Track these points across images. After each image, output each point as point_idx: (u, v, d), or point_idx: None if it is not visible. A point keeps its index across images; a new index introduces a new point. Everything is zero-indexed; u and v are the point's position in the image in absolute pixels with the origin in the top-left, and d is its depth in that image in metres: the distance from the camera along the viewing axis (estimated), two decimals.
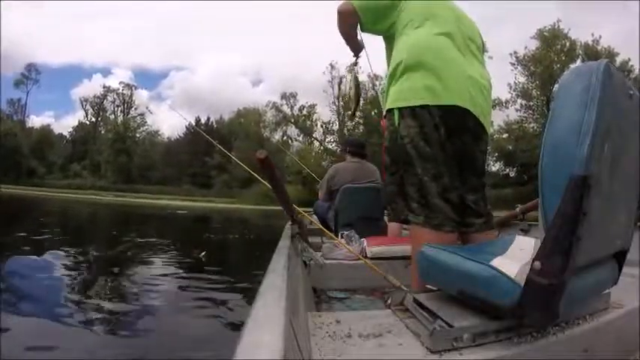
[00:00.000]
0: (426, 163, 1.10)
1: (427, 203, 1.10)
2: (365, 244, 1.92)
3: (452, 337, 0.71)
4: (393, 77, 1.19)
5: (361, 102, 1.72)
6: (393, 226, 2.48)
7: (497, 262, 0.74)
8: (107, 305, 2.59)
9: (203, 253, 4.06)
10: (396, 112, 1.15)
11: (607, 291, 0.91)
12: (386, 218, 2.65)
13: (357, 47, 1.51)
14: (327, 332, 0.80)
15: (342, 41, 1.47)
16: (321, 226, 2.05)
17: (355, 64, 1.53)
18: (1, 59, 30.95)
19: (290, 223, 1.66)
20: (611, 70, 0.67)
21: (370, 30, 1.32)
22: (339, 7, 1.30)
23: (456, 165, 1.14)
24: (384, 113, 1.23)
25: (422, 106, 1.10)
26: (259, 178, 1.78)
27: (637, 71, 21.00)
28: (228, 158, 30.22)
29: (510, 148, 26.06)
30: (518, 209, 1.94)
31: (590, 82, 0.66)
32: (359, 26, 1.33)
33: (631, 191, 0.83)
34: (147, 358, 1.85)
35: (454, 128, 1.11)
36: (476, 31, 1.29)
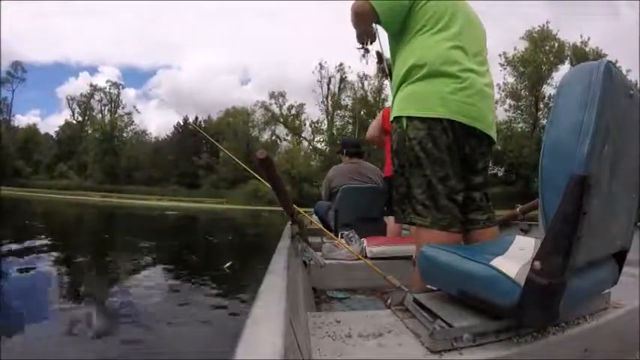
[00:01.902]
0: (434, 166, 1.10)
1: (435, 205, 1.09)
2: (365, 244, 1.92)
3: (452, 337, 0.71)
4: (404, 80, 1.17)
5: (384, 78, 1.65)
6: (392, 226, 2.48)
7: (497, 262, 0.74)
8: (105, 307, 2.59)
9: (228, 264, 4.09)
10: (405, 118, 1.14)
11: (607, 291, 0.91)
12: (385, 218, 2.65)
13: (372, 37, 1.42)
14: (327, 332, 0.80)
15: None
16: (321, 226, 2.05)
17: (367, 51, 1.47)
18: (0, 59, 30.84)
19: (290, 223, 1.66)
20: (611, 70, 0.67)
21: (387, 29, 1.26)
22: (355, 7, 1.23)
23: (461, 167, 1.14)
24: (392, 116, 1.21)
25: (432, 118, 1.10)
26: (259, 178, 1.78)
27: (625, 71, 21.11)
28: (216, 158, 30.24)
29: (499, 148, 26.18)
30: (518, 209, 1.94)
31: (590, 82, 0.66)
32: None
33: (631, 191, 0.83)
34: (148, 358, 1.85)
35: (461, 135, 1.11)
36: (484, 34, 1.28)
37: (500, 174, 27.30)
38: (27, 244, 4.93)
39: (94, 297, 2.91)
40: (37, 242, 5.21)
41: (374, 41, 1.40)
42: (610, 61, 0.68)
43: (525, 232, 1.83)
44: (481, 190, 1.22)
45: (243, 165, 2.06)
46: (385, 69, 1.47)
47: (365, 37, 1.38)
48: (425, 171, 1.11)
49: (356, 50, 1.45)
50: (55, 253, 4.58)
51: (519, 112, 27.84)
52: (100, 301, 2.77)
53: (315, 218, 2.55)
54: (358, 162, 2.91)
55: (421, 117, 1.11)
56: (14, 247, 4.69)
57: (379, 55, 1.45)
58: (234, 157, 2.67)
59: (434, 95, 1.11)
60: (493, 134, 1.20)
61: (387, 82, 1.54)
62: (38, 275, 3.44)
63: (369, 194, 2.67)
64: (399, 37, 1.23)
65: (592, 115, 0.64)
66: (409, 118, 1.13)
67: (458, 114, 1.09)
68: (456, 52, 1.13)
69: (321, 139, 33.88)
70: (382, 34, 1.35)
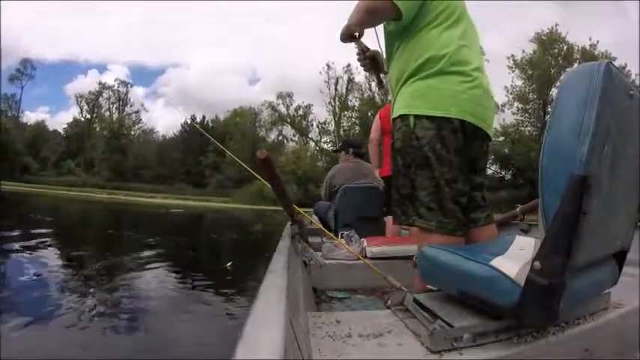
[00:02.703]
0: (442, 167, 1.06)
1: (442, 208, 1.06)
2: (365, 244, 1.92)
3: (452, 337, 0.71)
4: (412, 75, 1.12)
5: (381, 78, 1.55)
6: (392, 226, 2.48)
7: (497, 262, 0.74)
8: (105, 304, 2.59)
9: (230, 264, 4.07)
10: (412, 116, 1.10)
11: (607, 291, 0.91)
12: (385, 218, 2.65)
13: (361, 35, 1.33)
14: (327, 332, 0.80)
15: (340, 43, 1.30)
16: (321, 226, 2.05)
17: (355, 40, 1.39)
18: (1, 57, 30.91)
19: (290, 223, 1.66)
20: (611, 70, 0.67)
21: (401, 24, 1.18)
22: (373, 6, 1.14)
23: (467, 169, 1.12)
24: (396, 113, 1.16)
25: (443, 118, 1.07)
26: (260, 179, 1.78)
27: (634, 76, 21.03)
28: (222, 157, 30.38)
29: (506, 151, 25.92)
30: (518, 209, 1.95)
31: (590, 82, 0.66)
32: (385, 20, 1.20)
33: (631, 191, 0.83)
34: (147, 358, 1.85)
35: (470, 136, 1.09)
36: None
37: (507, 177, 27.04)
38: (32, 237, 4.98)
39: (94, 293, 2.91)
40: (42, 234, 5.27)
41: (361, 37, 1.30)
42: (610, 62, 0.68)
43: (525, 232, 1.83)
44: (481, 189, 1.20)
45: (245, 165, 2.06)
46: (382, 64, 1.42)
47: (358, 35, 1.28)
48: (433, 172, 1.07)
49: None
50: (58, 247, 4.63)
51: (527, 115, 27.35)
52: (102, 297, 2.78)
53: (315, 218, 2.55)
54: (359, 162, 2.91)
55: (431, 116, 1.07)
56: (19, 241, 4.73)
57: (364, 48, 1.34)
58: (235, 158, 2.67)
59: (446, 93, 1.07)
60: (491, 133, 1.19)
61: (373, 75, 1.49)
62: (42, 269, 3.44)
63: (369, 194, 2.67)
64: (402, 31, 1.17)
65: (592, 115, 0.64)
66: (417, 116, 1.09)
67: (469, 114, 1.07)
68: (467, 51, 1.11)
69: (328, 140, 33.82)
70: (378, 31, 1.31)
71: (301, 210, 1.81)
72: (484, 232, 1.17)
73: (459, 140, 1.07)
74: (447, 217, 1.06)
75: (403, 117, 1.12)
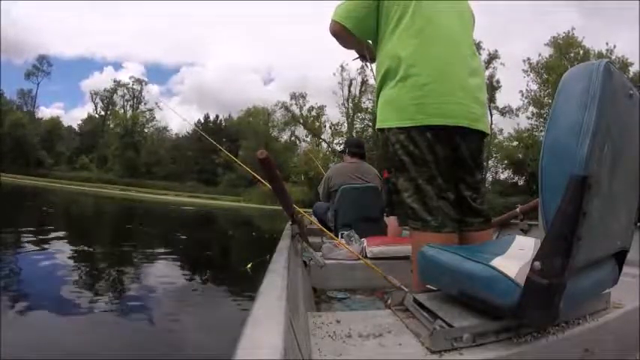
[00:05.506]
0: (418, 167, 1.09)
1: (425, 207, 1.08)
2: (365, 244, 1.92)
3: (452, 337, 0.71)
4: (381, 87, 1.16)
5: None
6: (393, 226, 2.48)
7: (497, 262, 0.74)
8: (109, 301, 2.60)
9: (250, 265, 4.08)
10: (386, 128, 1.15)
11: (607, 291, 0.91)
12: (386, 218, 2.65)
13: (370, 51, 1.36)
14: (327, 332, 0.80)
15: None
16: (321, 226, 2.05)
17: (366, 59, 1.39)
18: (0, 54, 31.22)
19: (290, 223, 1.66)
20: (611, 70, 0.67)
21: (365, 37, 1.24)
22: (331, 31, 1.23)
23: (449, 165, 1.11)
24: (376, 126, 1.21)
25: (412, 127, 1.09)
26: (260, 179, 1.78)
27: None
28: (235, 157, 30.41)
29: (520, 156, 25.62)
30: (518, 209, 1.94)
31: (590, 82, 0.66)
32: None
33: (631, 191, 0.83)
34: (146, 356, 1.85)
35: (444, 135, 1.09)
36: (468, 14, 1.23)
37: (520, 183, 26.65)
38: (43, 230, 5.02)
39: (105, 286, 2.92)
40: (53, 228, 5.33)
41: (370, 53, 1.34)
42: (610, 61, 0.68)
43: (525, 232, 1.83)
44: (475, 190, 1.18)
45: (245, 166, 2.06)
46: None
47: (363, 52, 1.35)
48: (410, 174, 1.10)
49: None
50: (68, 240, 4.67)
51: (542, 120, 26.46)
52: (111, 291, 2.79)
53: (315, 219, 2.55)
54: (358, 162, 2.91)
55: (397, 127, 1.11)
56: (30, 233, 4.76)
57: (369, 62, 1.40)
58: (234, 159, 2.69)
59: (409, 102, 1.09)
60: (482, 126, 1.15)
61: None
62: (53, 263, 3.46)
63: (369, 194, 2.67)
64: (376, 43, 1.21)
65: (592, 115, 0.64)
66: (389, 127, 1.14)
67: (436, 117, 1.07)
68: (429, 48, 1.09)
69: (340, 142, 33.59)
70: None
71: (301, 210, 1.81)
72: (479, 237, 1.17)
73: (432, 140, 1.08)
74: (432, 214, 1.08)
75: (380, 128, 1.18)
